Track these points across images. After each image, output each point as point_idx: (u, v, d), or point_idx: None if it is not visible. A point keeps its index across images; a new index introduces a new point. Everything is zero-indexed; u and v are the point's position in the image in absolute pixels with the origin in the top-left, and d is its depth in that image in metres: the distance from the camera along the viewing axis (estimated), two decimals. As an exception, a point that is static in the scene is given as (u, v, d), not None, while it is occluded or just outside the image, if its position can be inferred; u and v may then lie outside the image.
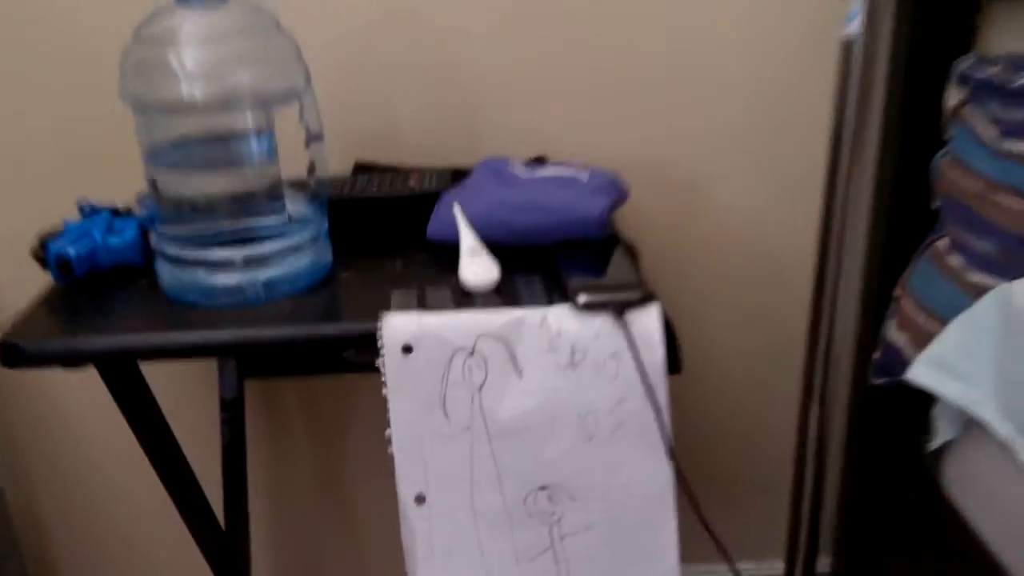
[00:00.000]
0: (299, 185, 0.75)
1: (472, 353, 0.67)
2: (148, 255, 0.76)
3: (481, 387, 0.67)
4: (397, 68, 0.98)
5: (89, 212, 0.78)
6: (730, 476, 1.19)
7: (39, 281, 0.75)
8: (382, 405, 0.67)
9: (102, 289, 0.74)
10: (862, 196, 0.96)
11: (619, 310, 0.67)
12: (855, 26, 0.79)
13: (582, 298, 0.67)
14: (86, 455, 1.11)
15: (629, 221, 0.95)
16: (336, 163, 0.97)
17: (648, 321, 0.67)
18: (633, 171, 1.01)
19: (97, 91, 0.95)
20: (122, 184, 0.85)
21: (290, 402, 1.08)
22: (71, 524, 1.16)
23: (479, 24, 0.96)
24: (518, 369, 0.67)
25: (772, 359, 1.11)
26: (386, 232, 0.82)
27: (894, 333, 1.00)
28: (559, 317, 0.67)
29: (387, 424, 0.68)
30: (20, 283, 0.75)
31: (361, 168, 0.97)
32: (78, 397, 1.08)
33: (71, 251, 0.74)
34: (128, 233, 0.76)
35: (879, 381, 1.03)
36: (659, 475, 0.69)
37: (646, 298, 0.68)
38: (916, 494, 1.03)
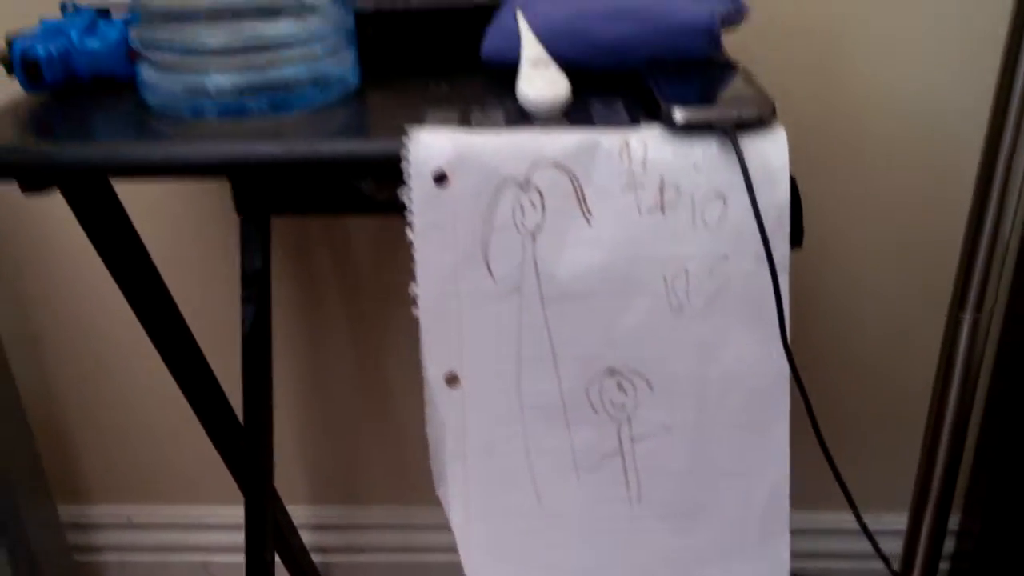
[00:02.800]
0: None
1: (526, 187, 0.50)
2: (132, 65, 0.61)
3: (536, 233, 0.50)
4: None
5: (72, 11, 0.64)
6: (854, 406, 0.99)
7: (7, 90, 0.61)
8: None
9: (78, 101, 0.60)
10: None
11: (730, 131, 0.48)
12: None
13: (680, 114, 0.49)
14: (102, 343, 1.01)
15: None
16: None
17: (771, 148, 0.48)
18: (761, 27, 0.81)
19: None
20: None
21: (324, 262, 0.93)
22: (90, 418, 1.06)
23: None
24: (587, 210, 0.50)
25: (921, 260, 0.90)
26: (434, 51, 0.65)
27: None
28: (646, 141, 0.49)
29: (414, 279, 0.52)
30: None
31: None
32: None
33: (39, 50, 0.59)
34: (112, 34, 0.61)
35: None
36: (770, 363, 0.51)
37: (767, 116, 0.49)
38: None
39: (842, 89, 0.85)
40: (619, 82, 0.58)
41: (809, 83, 0.85)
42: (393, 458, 1.06)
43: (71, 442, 1.07)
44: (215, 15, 0.54)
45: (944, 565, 1.03)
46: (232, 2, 0.54)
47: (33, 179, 0.55)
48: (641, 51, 0.58)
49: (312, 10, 0.56)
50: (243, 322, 0.81)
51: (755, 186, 0.48)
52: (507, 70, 0.58)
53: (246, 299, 0.81)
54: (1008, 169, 0.71)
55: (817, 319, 0.95)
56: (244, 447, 0.87)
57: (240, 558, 0.87)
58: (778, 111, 0.49)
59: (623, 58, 0.58)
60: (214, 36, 0.54)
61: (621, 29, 0.58)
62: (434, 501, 0.57)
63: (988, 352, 0.91)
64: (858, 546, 0.90)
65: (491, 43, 0.62)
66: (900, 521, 0.91)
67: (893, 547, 0.88)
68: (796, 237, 0.52)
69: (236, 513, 0.94)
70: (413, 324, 0.52)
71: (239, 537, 0.87)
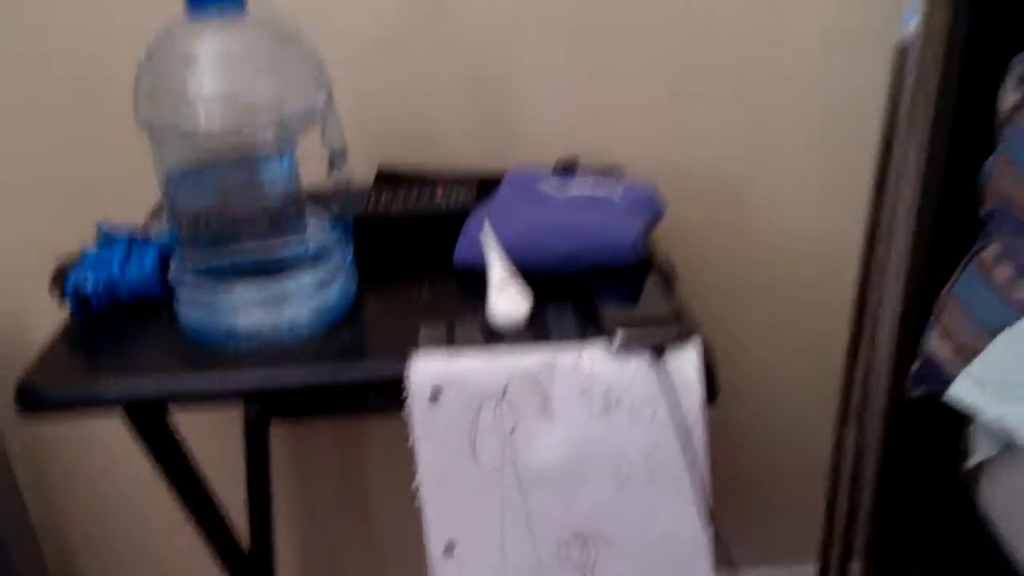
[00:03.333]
0: (321, 200, 0.72)
1: (503, 398, 0.65)
2: (167, 285, 0.73)
3: (512, 432, 0.65)
4: (421, 66, 0.94)
5: (107, 239, 0.76)
6: (767, 483, 1.17)
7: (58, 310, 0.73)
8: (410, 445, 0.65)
9: (121, 324, 0.72)
10: (908, 207, 0.91)
11: (656, 352, 0.64)
12: (912, 27, 0.74)
13: (618, 340, 0.64)
14: (112, 479, 1.11)
15: (663, 231, 0.92)
16: (359, 165, 0.94)
17: (686, 363, 0.64)
18: (669, 177, 0.97)
19: (118, 105, 0.92)
20: (144, 200, 0.83)
21: (317, 439, 1.08)
22: (96, 542, 1.16)
23: (507, 19, 0.92)
24: (550, 414, 0.65)
25: (810, 375, 1.08)
26: (411, 252, 0.80)
27: (935, 343, 0.96)
28: (593, 359, 0.65)
29: (415, 470, 0.66)
30: (44, 303, 0.74)
31: (384, 175, 0.94)
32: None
33: (89, 286, 0.71)
34: (147, 263, 0.74)
35: (916, 392, 1.00)
36: (695, 524, 0.67)
37: (684, 335, 0.65)
38: (950, 508, 1.00)
39: (745, 227, 1.01)
40: (568, 284, 0.73)
41: (721, 223, 1.01)
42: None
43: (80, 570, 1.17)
44: (242, 273, 0.67)
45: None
46: (256, 261, 0.67)
47: (94, 409, 0.67)
48: (583, 261, 0.74)
49: (322, 258, 0.70)
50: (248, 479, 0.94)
51: (676, 392, 0.63)
52: (476, 274, 0.73)
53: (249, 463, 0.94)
54: (878, 307, 0.88)
55: (730, 417, 1.12)
56: None
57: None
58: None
59: (567, 266, 0.74)
60: (242, 294, 0.67)
61: (565, 244, 0.74)
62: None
63: (875, 425, 1.09)
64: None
65: (461, 253, 0.77)
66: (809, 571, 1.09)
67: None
68: (712, 394, 0.68)
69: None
70: (397, 485, 0.66)
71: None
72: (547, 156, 0.95)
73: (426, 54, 0.93)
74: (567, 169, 0.93)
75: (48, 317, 0.75)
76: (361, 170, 0.95)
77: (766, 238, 1.01)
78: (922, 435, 1.03)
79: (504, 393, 0.65)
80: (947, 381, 0.91)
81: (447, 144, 0.96)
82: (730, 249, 1.02)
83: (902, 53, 0.75)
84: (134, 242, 0.76)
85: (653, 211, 0.78)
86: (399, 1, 0.91)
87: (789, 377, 1.09)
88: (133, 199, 0.87)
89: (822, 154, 0.97)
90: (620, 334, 0.64)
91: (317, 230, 0.72)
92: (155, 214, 0.83)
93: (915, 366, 1.00)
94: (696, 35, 0.93)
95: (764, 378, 1.10)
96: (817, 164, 0.98)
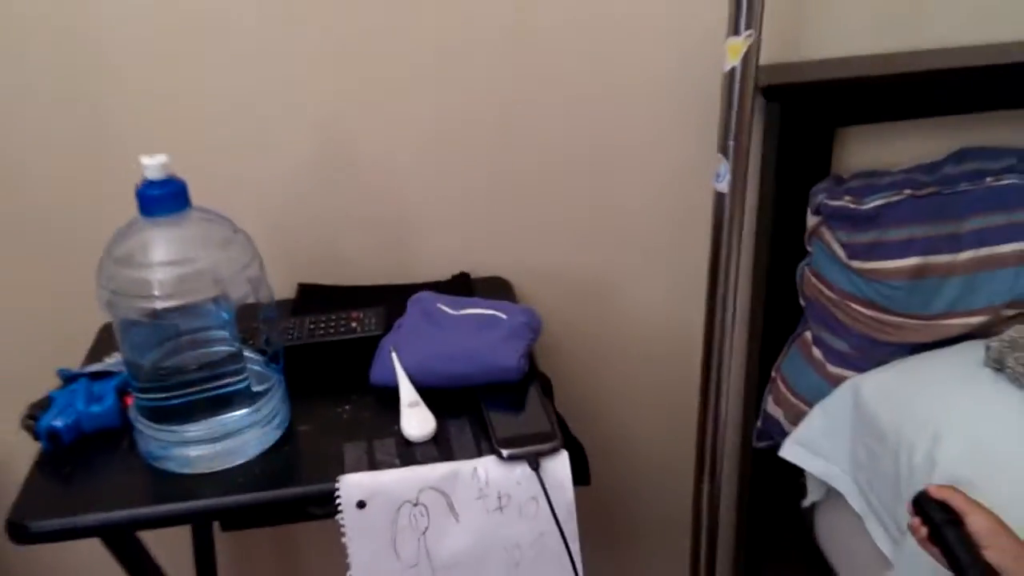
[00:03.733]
0: (254, 336, 0.87)
1: (416, 504, 0.81)
2: (124, 417, 0.87)
3: (425, 531, 0.81)
4: (334, 198, 1.09)
5: (69, 379, 0.89)
6: (640, 532, 1.37)
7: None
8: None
9: (88, 455, 0.85)
10: (741, 296, 1.11)
11: (535, 462, 0.81)
12: (724, 185, 0.94)
13: (505, 452, 0.81)
14: None
15: (547, 321, 1.10)
16: (283, 282, 1.08)
17: (559, 467, 0.82)
18: (548, 278, 1.15)
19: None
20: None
21: (261, 543, 1.22)
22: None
23: (406, 157, 1.07)
24: (455, 514, 0.82)
25: (669, 440, 1.28)
26: (334, 374, 0.95)
27: (771, 407, 1.17)
28: (487, 468, 0.81)
29: (347, 566, 0.81)
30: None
31: (305, 290, 1.09)
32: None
33: (59, 424, 0.84)
34: (107, 400, 0.87)
35: (760, 445, 1.21)
36: (574, 590, 0.84)
37: (557, 447, 0.82)
38: (795, 540, 1.22)
39: (608, 319, 1.20)
40: (465, 399, 0.89)
41: (590, 316, 1.20)
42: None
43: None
44: (192, 411, 0.81)
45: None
46: (203, 400, 0.82)
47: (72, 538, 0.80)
48: (474, 380, 0.90)
49: (260, 393, 0.84)
50: None
51: (550, 492, 0.81)
52: (390, 390, 0.89)
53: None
54: (720, 381, 1.07)
55: (607, 477, 1.30)
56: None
57: None
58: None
59: (465, 383, 0.90)
60: (193, 431, 0.81)
61: (459, 367, 0.90)
62: None
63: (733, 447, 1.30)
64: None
65: (376, 374, 0.92)
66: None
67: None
68: (584, 478, 0.86)
69: None
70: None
71: None
72: (442, 271, 1.12)
73: (337, 193, 1.08)
74: (462, 282, 1.10)
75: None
76: (285, 286, 1.09)
77: (627, 328, 1.20)
78: (772, 478, 1.23)
79: (416, 500, 0.81)
80: (785, 435, 1.12)
81: (356, 264, 1.12)
82: (598, 336, 1.20)
83: (719, 199, 0.95)
84: (93, 381, 0.89)
85: (533, 330, 0.95)
86: (315, 153, 1.05)
87: (653, 441, 1.28)
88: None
89: (669, 262, 1.17)
90: (507, 452, 0.81)
91: (255, 368, 0.87)
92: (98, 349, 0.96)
93: (759, 424, 1.21)
94: (560, 174, 1.10)
95: (632, 444, 1.29)
96: (666, 268, 1.17)
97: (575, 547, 0.83)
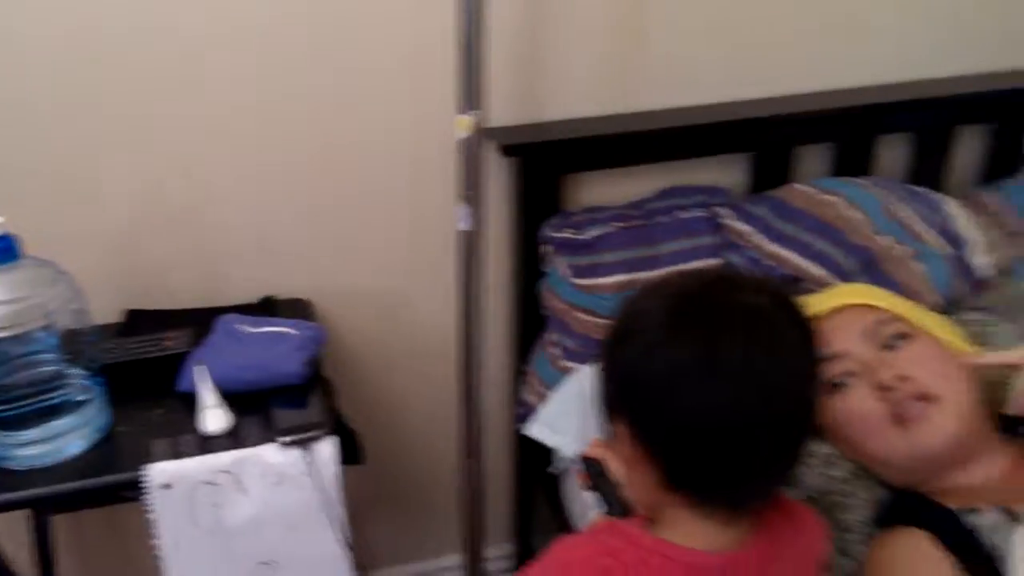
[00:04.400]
0: (79, 355, 1.07)
1: (212, 484, 1.04)
2: (-33, 425, 1.06)
3: (219, 505, 1.04)
4: (154, 233, 1.29)
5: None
6: (421, 495, 1.63)
7: None
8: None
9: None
10: (502, 310, 1.38)
11: (305, 445, 1.05)
12: (465, 225, 1.20)
13: (283, 439, 1.05)
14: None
15: (342, 333, 1.34)
16: (115, 308, 1.28)
17: (325, 450, 1.06)
18: (344, 297, 1.39)
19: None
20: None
21: (94, 521, 1.42)
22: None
23: (219, 198, 1.29)
24: (243, 490, 1.05)
25: (436, 423, 1.55)
26: (149, 384, 1.16)
27: (527, 396, 1.45)
28: (268, 451, 1.05)
29: (156, 536, 1.03)
30: None
31: (132, 315, 1.29)
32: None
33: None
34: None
35: (519, 427, 1.49)
36: (336, 547, 1.09)
37: (324, 434, 1.07)
38: (553, 501, 1.50)
39: (393, 329, 1.45)
40: (258, 400, 1.12)
41: (372, 329, 1.44)
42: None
43: None
44: (25, 419, 1.01)
45: None
46: (36, 409, 1.02)
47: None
48: (266, 384, 1.13)
49: (84, 401, 1.05)
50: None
51: (320, 469, 1.05)
52: (194, 397, 1.11)
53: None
54: (473, 362, 1.34)
55: (383, 455, 1.56)
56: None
57: None
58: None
59: (257, 387, 1.13)
60: (27, 435, 1.01)
61: (252, 375, 1.13)
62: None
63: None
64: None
65: (183, 383, 1.14)
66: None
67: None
68: (356, 458, 1.11)
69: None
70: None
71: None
72: (253, 294, 1.34)
73: (159, 233, 1.29)
74: (267, 304, 1.33)
75: None
76: (112, 310, 1.29)
77: (408, 337, 1.46)
78: (537, 452, 1.51)
79: (212, 481, 1.04)
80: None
81: (175, 291, 1.32)
82: (385, 344, 1.46)
83: (464, 234, 1.21)
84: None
85: (317, 342, 1.20)
86: (139, 203, 1.26)
87: (431, 428, 1.55)
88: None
89: (436, 283, 1.42)
90: (284, 437, 1.05)
91: (78, 380, 1.07)
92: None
93: (519, 410, 1.49)
94: (346, 210, 1.35)
95: (406, 430, 1.55)
96: (435, 288, 1.43)
97: (339, 512, 1.08)
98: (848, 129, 1.44)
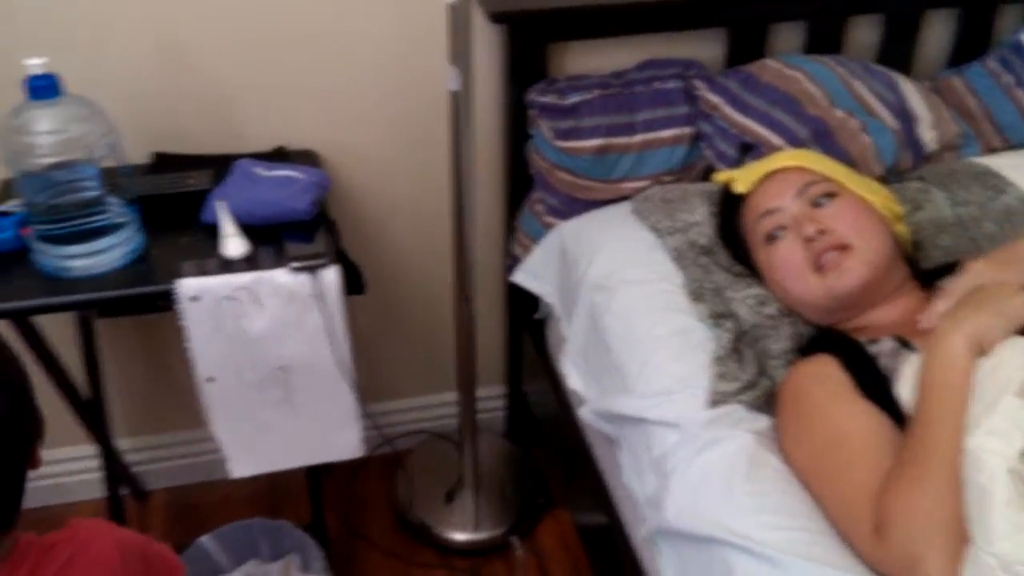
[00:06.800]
0: (117, 187, 1.23)
1: (233, 298, 1.21)
2: (22, 242, 1.23)
3: (240, 317, 1.22)
4: (177, 84, 1.43)
5: (-21, 215, 1.24)
6: (418, 335, 1.82)
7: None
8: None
9: (-2, 269, 1.22)
10: (494, 171, 1.53)
11: (312, 270, 1.22)
12: (455, 85, 1.33)
13: (293, 264, 1.22)
14: None
15: (346, 183, 1.49)
16: (140, 149, 1.43)
17: (330, 276, 1.24)
18: (347, 149, 1.54)
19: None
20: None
21: (132, 327, 1.62)
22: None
23: (238, 54, 1.42)
24: (261, 304, 1.23)
25: (433, 270, 1.71)
26: (177, 215, 1.32)
27: (515, 249, 1.61)
28: (280, 275, 1.22)
29: (187, 339, 1.22)
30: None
31: (160, 157, 1.45)
32: None
33: (-27, 243, 1.20)
34: (8, 231, 1.23)
35: (509, 277, 1.66)
36: (338, 361, 1.27)
37: (329, 262, 1.24)
38: (537, 345, 1.68)
39: (389, 181, 1.60)
40: (271, 233, 1.29)
41: (372, 180, 1.60)
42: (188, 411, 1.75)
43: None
44: (73, 237, 1.19)
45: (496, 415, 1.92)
46: (80, 229, 1.19)
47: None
48: (278, 220, 1.30)
49: (121, 225, 1.22)
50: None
51: (324, 292, 1.23)
52: (216, 229, 1.28)
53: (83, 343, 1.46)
54: (465, 215, 1.49)
55: (385, 296, 1.74)
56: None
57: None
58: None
59: (271, 222, 1.30)
60: (75, 250, 1.19)
61: (266, 211, 1.29)
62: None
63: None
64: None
65: (205, 215, 1.30)
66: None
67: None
68: (358, 289, 1.29)
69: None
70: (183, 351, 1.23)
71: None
72: (266, 143, 1.49)
73: (178, 83, 1.42)
74: (279, 153, 1.48)
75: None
76: (142, 152, 1.44)
77: (403, 188, 1.61)
78: (524, 300, 1.68)
79: (233, 296, 1.21)
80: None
81: (196, 138, 1.47)
82: (383, 192, 1.61)
83: (454, 95, 1.34)
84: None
85: (322, 187, 1.35)
86: (156, 57, 1.39)
87: (424, 272, 1.72)
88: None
89: (429, 141, 1.56)
90: (294, 263, 1.22)
91: (116, 207, 1.24)
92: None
93: (508, 261, 1.66)
94: (351, 73, 1.48)
95: (406, 272, 1.72)
96: (427, 144, 1.57)
97: (340, 327, 1.26)
98: (820, 7, 1.54)
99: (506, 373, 1.89)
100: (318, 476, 1.58)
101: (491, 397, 1.92)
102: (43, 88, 1.12)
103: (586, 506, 1.54)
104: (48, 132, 1.13)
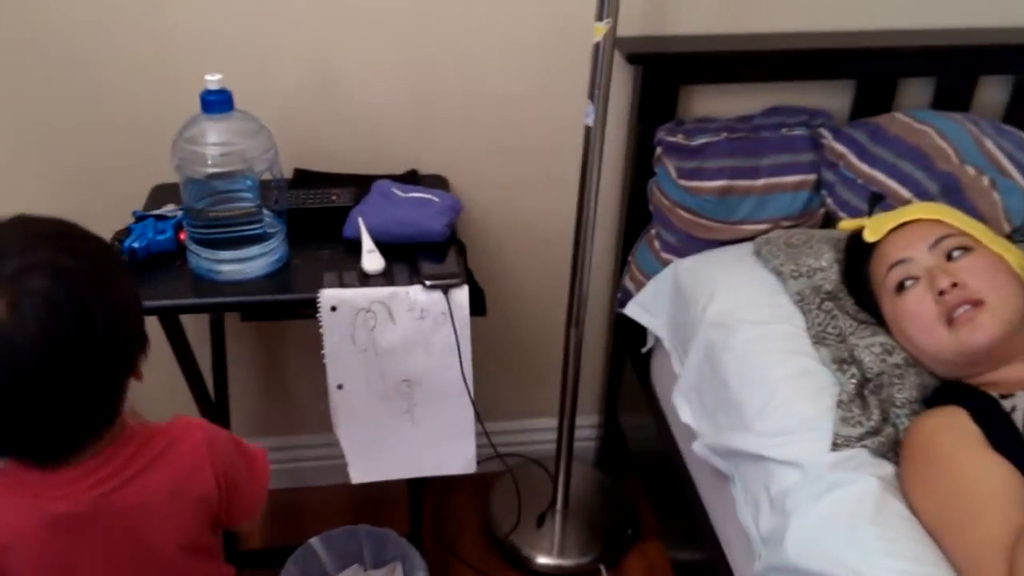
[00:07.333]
0: (269, 200, 1.31)
1: (369, 310, 1.27)
2: (179, 244, 1.31)
3: (373, 328, 1.28)
4: (323, 104, 1.51)
5: (141, 218, 1.33)
6: (526, 354, 1.86)
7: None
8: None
9: (154, 267, 1.30)
10: (611, 205, 1.57)
11: (445, 289, 1.28)
12: (590, 121, 1.38)
13: (427, 282, 1.28)
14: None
15: (471, 207, 1.55)
16: (286, 167, 1.51)
17: (461, 296, 1.29)
18: (475, 176, 1.60)
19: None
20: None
21: (272, 332, 1.70)
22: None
23: (380, 83, 1.50)
24: (393, 319, 1.28)
25: (548, 298, 1.75)
26: (320, 229, 1.39)
27: (627, 282, 1.65)
28: (416, 291, 1.28)
29: (322, 347, 1.28)
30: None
31: (299, 173, 1.53)
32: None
33: (136, 245, 1.29)
34: (167, 233, 1.31)
35: (620, 309, 1.69)
36: (462, 378, 1.32)
37: (461, 283, 1.29)
38: (641, 378, 1.71)
39: (510, 210, 1.66)
40: (406, 252, 1.35)
41: (498, 207, 1.65)
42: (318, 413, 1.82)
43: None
44: (226, 243, 1.26)
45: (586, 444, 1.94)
46: (234, 236, 1.26)
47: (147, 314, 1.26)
48: (413, 240, 1.36)
49: (271, 235, 1.29)
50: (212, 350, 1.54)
51: (453, 311, 1.28)
52: (354, 243, 1.34)
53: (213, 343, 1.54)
54: (584, 250, 1.53)
55: (500, 321, 1.78)
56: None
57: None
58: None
59: (406, 241, 1.36)
60: (226, 255, 1.26)
61: (403, 231, 1.36)
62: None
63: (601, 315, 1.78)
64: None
65: (347, 231, 1.37)
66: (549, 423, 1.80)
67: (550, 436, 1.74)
68: (481, 309, 1.33)
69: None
70: (317, 360, 1.29)
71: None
72: (399, 167, 1.56)
73: (324, 103, 1.51)
74: (411, 175, 1.55)
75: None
76: (286, 170, 1.53)
77: (527, 217, 1.66)
78: (629, 333, 1.71)
79: (369, 308, 1.27)
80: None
81: (335, 156, 1.55)
82: (507, 220, 1.66)
83: (587, 131, 1.39)
84: (157, 220, 1.33)
85: (455, 211, 1.41)
86: (306, 78, 1.48)
87: (539, 299, 1.76)
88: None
89: (558, 174, 1.61)
90: (428, 282, 1.27)
91: (268, 218, 1.31)
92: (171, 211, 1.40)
93: (619, 294, 1.69)
94: (484, 106, 1.54)
95: (519, 299, 1.76)
96: (555, 178, 1.62)
97: (466, 344, 1.31)
98: (950, 66, 1.55)
99: (602, 403, 1.91)
100: (420, 488, 1.63)
101: (586, 426, 1.94)
102: (217, 102, 1.20)
103: (685, 540, 1.54)
104: (216, 144, 1.22)
